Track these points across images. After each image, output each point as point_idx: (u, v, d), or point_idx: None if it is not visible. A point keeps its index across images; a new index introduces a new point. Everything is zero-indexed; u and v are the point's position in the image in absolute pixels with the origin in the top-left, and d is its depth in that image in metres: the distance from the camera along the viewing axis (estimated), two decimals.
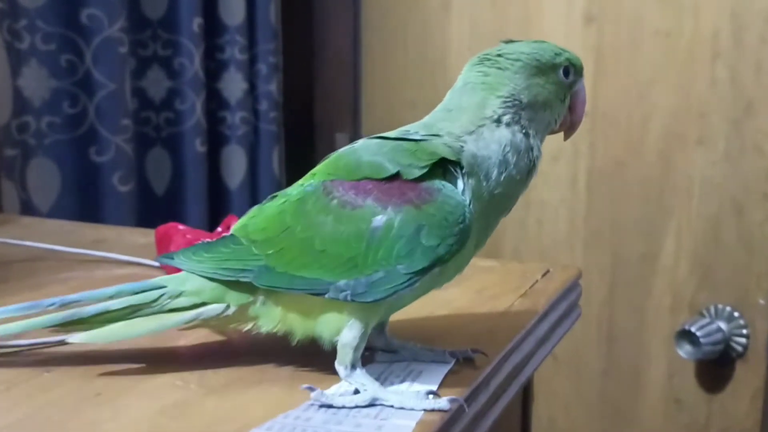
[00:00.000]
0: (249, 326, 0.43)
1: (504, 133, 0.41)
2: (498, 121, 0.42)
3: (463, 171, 0.40)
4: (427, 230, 0.37)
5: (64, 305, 0.43)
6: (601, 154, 1.28)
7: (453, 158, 0.40)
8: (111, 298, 0.43)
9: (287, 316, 0.41)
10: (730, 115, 1.16)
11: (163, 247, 0.59)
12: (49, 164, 1.12)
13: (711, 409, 1.22)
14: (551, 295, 0.55)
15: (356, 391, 0.39)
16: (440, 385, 0.40)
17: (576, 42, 1.28)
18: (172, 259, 0.44)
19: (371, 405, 0.38)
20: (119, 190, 1.19)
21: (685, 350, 1.16)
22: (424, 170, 0.39)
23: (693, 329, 1.15)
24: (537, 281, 0.58)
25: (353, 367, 0.39)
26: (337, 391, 0.39)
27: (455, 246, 0.38)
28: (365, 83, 1.54)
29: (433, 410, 0.37)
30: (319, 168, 0.43)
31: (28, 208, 1.10)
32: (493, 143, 0.41)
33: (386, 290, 0.38)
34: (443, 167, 0.40)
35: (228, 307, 0.42)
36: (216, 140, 1.38)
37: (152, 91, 1.30)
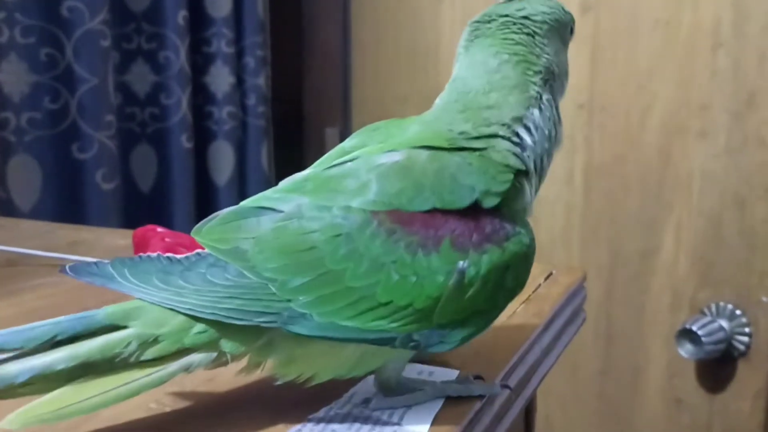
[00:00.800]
0: (250, 372, 0.35)
1: (546, 115, 0.37)
2: (540, 100, 0.37)
3: (525, 178, 0.36)
4: (510, 272, 0.33)
5: None
6: (599, 147, 1.25)
7: (522, 168, 0.36)
8: (46, 343, 0.31)
9: (313, 363, 0.34)
10: (731, 107, 1.13)
11: (140, 251, 0.55)
12: (30, 162, 1.09)
13: (713, 410, 1.20)
14: (555, 300, 0.52)
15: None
16: (441, 408, 0.36)
17: None
18: (114, 280, 0.33)
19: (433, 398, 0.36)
20: (103, 188, 1.16)
21: (686, 350, 1.13)
22: (503, 196, 0.34)
23: (694, 328, 1.12)
24: (540, 285, 0.55)
25: (398, 383, 0.36)
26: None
27: (526, 281, 0.35)
28: (355, 77, 1.51)
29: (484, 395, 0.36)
30: (336, 182, 0.34)
31: (8, 208, 1.07)
32: (540, 130, 0.37)
33: (464, 339, 0.33)
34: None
35: (223, 354, 0.33)
36: (203, 136, 1.36)
37: (136, 85, 1.27)
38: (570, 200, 1.28)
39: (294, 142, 1.58)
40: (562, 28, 0.38)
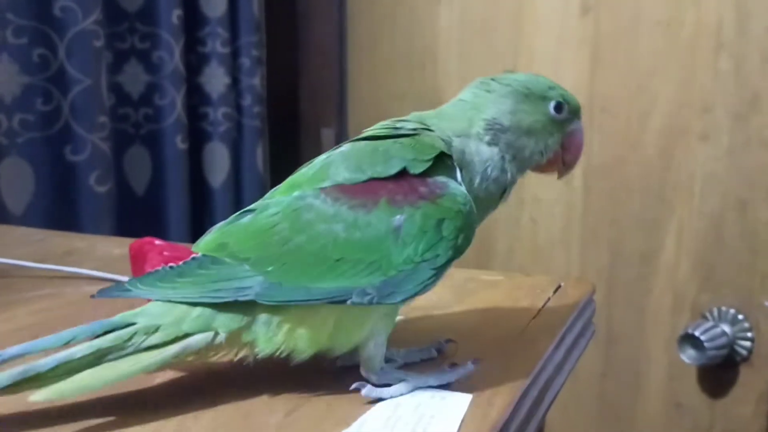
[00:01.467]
0: (241, 353, 0.39)
1: (486, 150, 0.42)
2: (480, 138, 0.42)
3: (456, 164, 0.41)
4: (446, 224, 0.38)
5: (9, 359, 0.36)
6: (599, 149, 1.24)
7: (448, 152, 0.41)
8: (68, 344, 0.37)
9: (294, 333, 0.38)
10: (734, 109, 1.12)
11: (137, 265, 0.54)
12: (23, 164, 1.08)
13: (714, 414, 1.19)
14: (566, 315, 0.51)
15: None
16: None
17: (572, 33, 1.24)
18: (130, 291, 0.39)
19: (414, 390, 0.39)
20: (96, 190, 1.14)
21: (688, 355, 1.12)
22: (429, 164, 0.39)
23: (697, 333, 1.11)
24: (549, 299, 0.54)
25: (382, 369, 0.40)
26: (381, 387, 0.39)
27: (470, 237, 0.39)
28: (351, 76, 1.49)
29: (464, 376, 0.39)
30: (302, 178, 0.41)
31: (0, 212, 1.05)
32: (476, 155, 0.42)
33: (414, 288, 0.37)
34: (441, 160, 0.40)
35: (217, 334, 0.38)
36: (197, 137, 1.34)
37: (130, 86, 1.26)
38: (570, 201, 1.27)
39: (290, 143, 1.56)
40: (533, 97, 0.43)
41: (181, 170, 1.28)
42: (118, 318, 0.38)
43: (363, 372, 0.40)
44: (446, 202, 0.38)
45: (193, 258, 0.40)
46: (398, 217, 0.37)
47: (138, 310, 0.39)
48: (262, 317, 0.38)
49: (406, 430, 0.36)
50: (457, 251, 0.38)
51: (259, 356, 0.39)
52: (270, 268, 0.37)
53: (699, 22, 1.14)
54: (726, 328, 1.13)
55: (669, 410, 1.22)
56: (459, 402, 0.38)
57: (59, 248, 0.69)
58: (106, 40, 1.16)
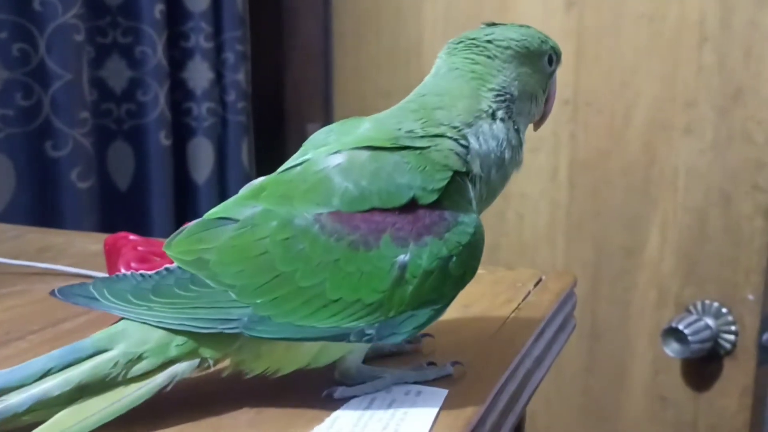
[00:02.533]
0: (228, 372, 0.37)
1: (501, 129, 0.39)
2: (493, 116, 0.39)
3: (470, 178, 0.37)
4: (453, 261, 0.34)
5: None
6: (583, 144, 1.23)
7: (461, 168, 0.37)
8: (43, 377, 0.33)
9: (281, 358, 0.36)
10: (717, 103, 1.12)
11: (111, 261, 0.53)
12: (3, 160, 1.07)
13: (698, 407, 1.19)
14: (546, 308, 0.50)
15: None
16: (431, 430, 0.34)
17: (556, 27, 1.23)
18: (98, 301, 0.35)
19: (389, 386, 0.37)
20: (78, 186, 1.13)
21: (672, 348, 1.13)
22: (440, 193, 0.35)
23: (680, 327, 1.11)
24: (530, 293, 0.53)
25: (358, 369, 0.38)
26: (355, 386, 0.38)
27: (476, 268, 0.36)
28: (337, 72, 1.49)
29: (442, 377, 0.38)
30: (294, 191, 0.36)
31: None
32: (491, 139, 0.39)
33: (414, 329, 0.35)
34: (453, 179, 0.36)
35: (203, 361, 0.35)
36: (181, 133, 1.33)
37: (112, 81, 1.24)
38: (554, 196, 1.27)
39: (275, 139, 1.55)
40: (531, 56, 0.40)
41: (164, 166, 1.27)
42: (92, 343, 0.34)
43: (337, 377, 0.38)
44: (455, 236, 0.35)
45: (169, 271, 0.36)
46: (402, 257, 0.34)
47: (111, 331, 0.35)
48: (249, 345, 0.35)
49: (378, 426, 0.35)
50: (462, 286, 0.36)
51: (246, 377, 0.37)
52: (258, 301, 0.34)
53: (682, 16, 1.14)
54: (710, 321, 1.13)
55: (653, 404, 1.23)
56: (434, 397, 0.38)
57: (34, 244, 0.68)
58: (88, 35, 1.15)
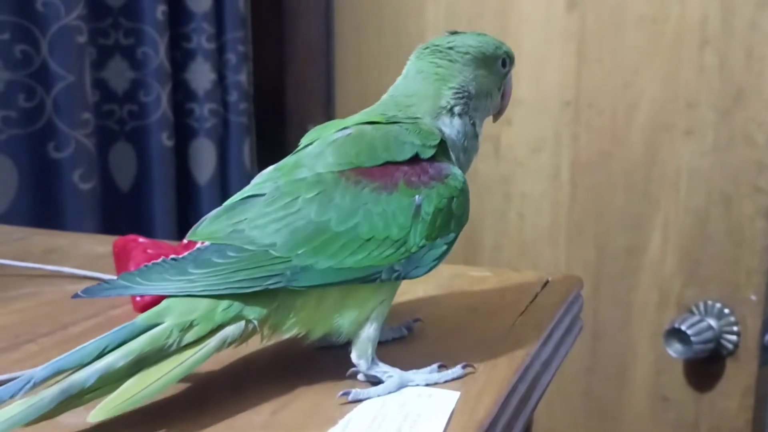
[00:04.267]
0: (268, 337, 0.40)
1: (458, 123, 0.45)
2: (451, 111, 0.45)
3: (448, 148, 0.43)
4: (455, 202, 0.40)
5: (42, 381, 0.33)
6: (585, 145, 1.24)
7: (442, 138, 0.43)
8: (102, 354, 0.35)
9: (312, 315, 0.39)
10: (719, 104, 1.13)
11: (121, 263, 0.53)
12: (5, 161, 1.06)
13: (700, 408, 1.19)
14: (554, 310, 0.51)
15: (380, 382, 0.40)
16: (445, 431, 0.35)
17: (557, 29, 1.24)
18: (129, 287, 0.37)
19: (402, 387, 0.40)
20: (81, 188, 1.13)
21: (674, 349, 1.13)
22: (435, 149, 0.42)
23: (683, 327, 1.11)
24: (537, 295, 0.54)
25: (373, 359, 0.40)
26: (369, 388, 0.40)
27: (468, 214, 0.42)
28: (338, 72, 1.49)
29: (452, 380, 0.40)
30: (306, 159, 0.41)
31: None
32: (451, 129, 0.45)
33: (432, 262, 0.40)
34: (440, 144, 0.43)
35: (248, 322, 0.38)
36: (183, 133, 1.33)
37: (114, 82, 1.24)
38: (556, 197, 1.27)
39: (277, 139, 1.55)
40: (487, 60, 0.46)
41: (166, 167, 1.27)
42: (142, 320, 0.37)
43: (354, 357, 0.40)
44: (452, 182, 0.41)
45: (204, 247, 0.39)
46: (417, 197, 0.39)
47: (158, 309, 0.37)
48: (287, 301, 0.38)
49: (392, 428, 0.35)
50: (462, 226, 0.42)
51: (282, 338, 0.40)
52: (300, 252, 0.37)
53: (684, 17, 1.14)
54: (712, 322, 1.14)
55: (655, 404, 1.23)
56: (446, 399, 0.38)
57: (40, 246, 0.68)
58: (90, 36, 1.15)
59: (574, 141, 1.25)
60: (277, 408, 0.37)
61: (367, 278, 0.39)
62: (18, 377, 0.39)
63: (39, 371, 0.33)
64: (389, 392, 0.39)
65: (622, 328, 1.24)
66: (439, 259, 0.40)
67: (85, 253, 0.66)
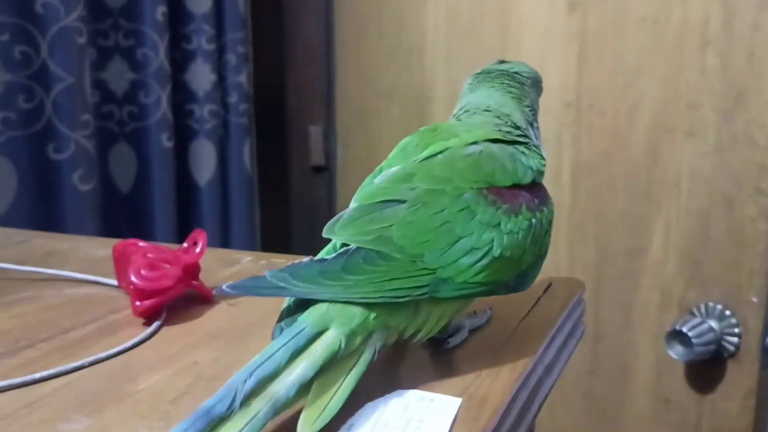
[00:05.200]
0: (401, 340, 0.42)
1: (538, 135, 0.51)
2: (532, 125, 0.50)
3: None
4: (551, 227, 0.45)
5: (248, 394, 0.33)
6: (586, 146, 1.23)
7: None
8: (289, 363, 0.35)
9: (439, 320, 0.42)
10: (720, 106, 1.12)
11: (121, 267, 0.53)
12: (4, 163, 1.06)
13: (701, 410, 1.19)
14: (556, 315, 0.50)
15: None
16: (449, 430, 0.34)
17: (559, 30, 1.23)
18: (285, 288, 0.38)
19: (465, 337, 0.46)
20: (80, 189, 1.12)
21: (676, 351, 1.13)
22: (542, 174, 0.46)
23: (684, 329, 1.11)
24: (539, 299, 0.53)
25: (453, 324, 0.46)
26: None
27: None
28: (339, 73, 1.49)
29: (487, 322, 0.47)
30: (436, 169, 0.43)
31: None
32: (539, 143, 0.50)
33: (533, 278, 0.44)
34: None
35: (391, 331, 0.40)
36: (183, 135, 1.33)
37: (114, 83, 1.24)
38: (557, 198, 1.27)
39: (277, 140, 1.55)
40: (538, 84, 0.53)
41: (166, 168, 1.27)
42: (310, 327, 0.37)
43: (451, 342, 0.45)
44: (551, 207, 0.45)
45: (352, 251, 0.39)
46: (533, 221, 0.43)
47: (317, 313, 0.38)
48: (422, 308, 0.40)
49: None
50: (549, 244, 0.46)
51: (412, 342, 0.42)
52: (442, 265, 0.39)
53: (685, 18, 1.14)
54: (713, 324, 1.13)
55: (656, 406, 1.23)
56: (448, 405, 0.38)
57: (40, 249, 0.68)
58: (89, 37, 1.15)
59: (575, 142, 1.24)
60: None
61: (490, 292, 0.42)
62: (19, 383, 0.40)
63: (241, 384, 0.33)
64: (463, 339, 0.46)
65: (623, 330, 1.24)
66: (537, 275, 0.45)
67: (85, 256, 0.66)
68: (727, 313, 1.14)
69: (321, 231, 0.41)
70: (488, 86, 0.50)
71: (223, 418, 0.32)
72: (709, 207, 1.15)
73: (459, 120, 0.50)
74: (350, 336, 0.37)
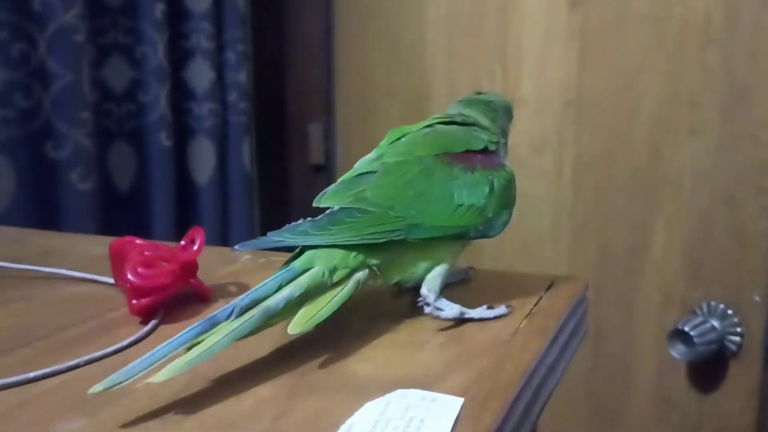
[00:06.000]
0: (381, 282, 0.49)
1: (505, 151, 0.58)
2: (498, 143, 0.56)
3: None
4: (511, 185, 0.53)
5: (243, 308, 0.42)
6: (588, 144, 1.23)
7: (500, 141, 0.57)
8: (279, 289, 0.44)
9: (411, 264, 0.49)
10: (723, 104, 1.12)
11: (117, 265, 0.52)
12: (3, 162, 1.06)
13: (703, 410, 1.18)
14: (559, 314, 0.49)
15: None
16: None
17: (560, 28, 1.23)
18: (281, 240, 0.46)
19: (461, 317, 0.49)
20: (79, 188, 1.12)
21: (678, 350, 1.12)
22: (497, 146, 0.54)
23: (686, 329, 1.10)
24: (541, 298, 0.53)
25: (438, 294, 0.49)
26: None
27: (516, 197, 0.54)
28: (338, 72, 1.48)
29: (500, 317, 0.50)
30: (401, 147, 0.52)
31: None
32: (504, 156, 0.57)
33: (501, 227, 0.52)
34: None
35: (371, 269, 0.48)
36: (182, 133, 1.33)
37: (113, 81, 1.24)
38: (559, 197, 1.26)
39: (276, 139, 1.54)
40: (508, 111, 0.61)
41: (165, 167, 1.26)
42: (299, 265, 0.46)
43: (424, 290, 0.49)
44: (508, 170, 0.53)
45: (336, 210, 0.48)
46: (490, 176, 0.51)
47: (306, 257, 0.46)
48: (397, 252, 0.48)
49: None
50: (514, 204, 0.53)
51: (391, 283, 0.50)
52: (412, 213, 0.48)
53: (687, 16, 1.13)
54: (715, 323, 1.13)
55: (658, 406, 1.22)
56: (450, 405, 0.37)
57: (37, 248, 0.67)
58: (88, 35, 1.14)
59: (577, 141, 1.24)
60: (277, 415, 0.36)
61: (460, 235, 0.50)
62: (14, 382, 0.39)
63: (239, 301, 0.42)
64: (454, 316, 0.49)
65: (624, 330, 1.23)
66: (505, 224, 0.52)
67: (82, 254, 0.65)
68: (729, 312, 1.13)
69: None
70: (473, 107, 0.59)
71: (223, 323, 0.41)
72: (711, 205, 1.14)
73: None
74: (333, 270, 0.46)
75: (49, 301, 0.53)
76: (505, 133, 0.59)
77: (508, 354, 0.43)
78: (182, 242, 0.53)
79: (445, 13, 1.34)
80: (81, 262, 0.61)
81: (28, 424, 0.36)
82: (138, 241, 0.52)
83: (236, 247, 0.47)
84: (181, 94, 1.31)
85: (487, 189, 0.50)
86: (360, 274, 0.47)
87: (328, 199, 0.50)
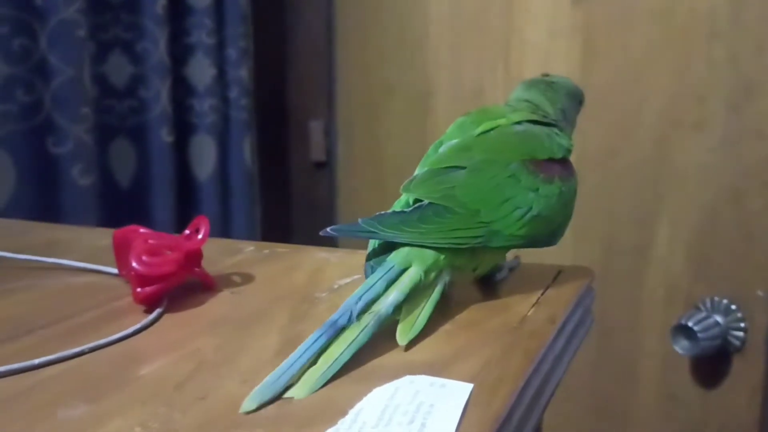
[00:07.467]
0: (461, 279, 0.51)
1: (567, 130, 0.58)
2: (559, 122, 0.57)
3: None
4: (575, 196, 0.54)
5: (360, 312, 0.42)
6: (593, 140, 1.22)
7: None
8: (387, 289, 0.45)
9: (485, 264, 0.51)
10: (728, 99, 1.11)
11: (121, 254, 0.52)
12: (4, 157, 1.05)
13: (707, 405, 1.18)
14: (566, 302, 0.49)
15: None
16: (459, 424, 0.33)
17: (564, 22, 1.22)
18: (374, 233, 0.47)
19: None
20: (80, 183, 1.12)
21: (681, 345, 1.11)
22: (571, 152, 0.55)
23: (690, 324, 1.10)
24: (549, 287, 0.52)
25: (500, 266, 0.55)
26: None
27: None
28: (340, 68, 1.48)
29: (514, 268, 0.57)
30: (489, 143, 0.52)
31: None
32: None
33: (560, 236, 0.53)
34: None
35: (456, 269, 0.48)
36: (183, 129, 1.32)
37: (114, 77, 1.23)
38: None
39: (277, 135, 1.54)
40: (572, 95, 0.61)
41: (166, 163, 1.26)
42: (398, 265, 0.46)
43: (497, 277, 0.54)
44: (575, 179, 0.54)
45: (425, 205, 0.48)
46: (563, 188, 0.51)
47: (401, 256, 0.47)
48: (477, 253, 0.49)
49: (404, 420, 0.34)
50: (572, 216, 0.55)
51: (472, 278, 0.52)
52: (495, 219, 0.48)
53: (692, 10, 1.12)
54: (719, 318, 1.12)
55: (662, 401, 1.22)
56: (460, 390, 0.36)
57: (42, 239, 0.67)
58: (89, 30, 1.14)
59: (582, 136, 1.22)
60: (284, 400, 0.36)
61: (529, 244, 0.51)
62: (18, 368, 0.38)
63: (352, 303, 0.43)
64: (505, 276, 0.55)
65: (629, 325, 1.23)
66: (563, 233, 0.54)
67: (86, 246, 0.65)
68: (733, 307, 1.12)
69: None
70: (536, 89, 0.60)
71: (344, 328, 0.41)
72: (716, 201, 1.14)
73: (507, 105, 0.59)
74: (426, 272, 0.46)
75: (53, 290, 0.53)
76: (564, 114, 0.59)
77: (517, 341, 0.43)
78: (187, 231, 0.53)
79: (448, 8, 1.33)
80: (85, 254, 0.61)
81: (32, 410, 0.35)
82: (142, 230, 0.52)
83: (328, 229, 0.47)
84: (182, 90, 1.31)
85: (560, 201, 0.51)
86: (446, 274, 0.48)
87: (416, 187, 0.50)
